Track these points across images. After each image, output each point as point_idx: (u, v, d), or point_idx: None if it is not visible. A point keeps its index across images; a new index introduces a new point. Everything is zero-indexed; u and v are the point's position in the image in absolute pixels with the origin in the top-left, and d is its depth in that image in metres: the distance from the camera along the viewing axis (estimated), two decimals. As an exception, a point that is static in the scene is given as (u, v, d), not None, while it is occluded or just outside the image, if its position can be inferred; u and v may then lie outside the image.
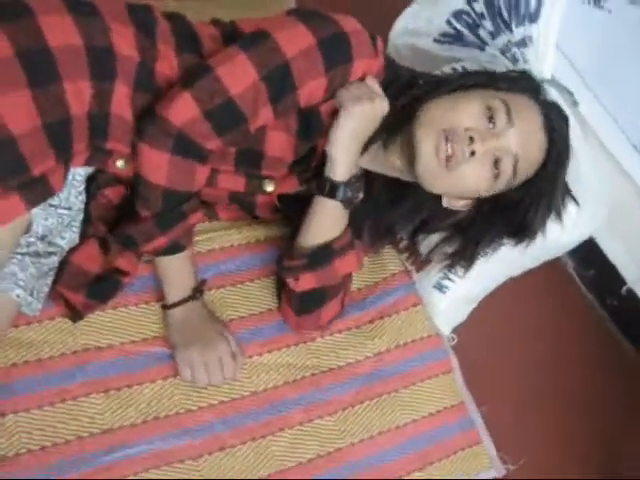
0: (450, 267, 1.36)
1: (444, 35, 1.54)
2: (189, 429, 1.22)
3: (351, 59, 1.14)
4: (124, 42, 1.09)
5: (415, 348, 1.44)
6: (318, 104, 1.18)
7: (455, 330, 1.53)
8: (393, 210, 1.32)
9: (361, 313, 1.43)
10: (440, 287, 1.47)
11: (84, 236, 1.24)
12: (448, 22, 1.52)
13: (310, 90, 1.13)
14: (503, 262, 1.42)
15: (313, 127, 1.20)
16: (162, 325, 1.27)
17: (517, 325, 1.75)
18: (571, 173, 1.27)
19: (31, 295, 1.18)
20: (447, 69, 1.45)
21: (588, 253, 1.73)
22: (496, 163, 1.15)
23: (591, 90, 1.47)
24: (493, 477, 1.43)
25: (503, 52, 1.46)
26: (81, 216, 1.23)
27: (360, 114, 1.16)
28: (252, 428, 1.27)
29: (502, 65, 1.44)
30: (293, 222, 1.32)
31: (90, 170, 1.22)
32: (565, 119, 1.24)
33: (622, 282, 1.73)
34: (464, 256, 1.32)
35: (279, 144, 1.21)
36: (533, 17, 1.41)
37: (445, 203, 1.24)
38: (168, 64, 1.14)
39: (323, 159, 1.23)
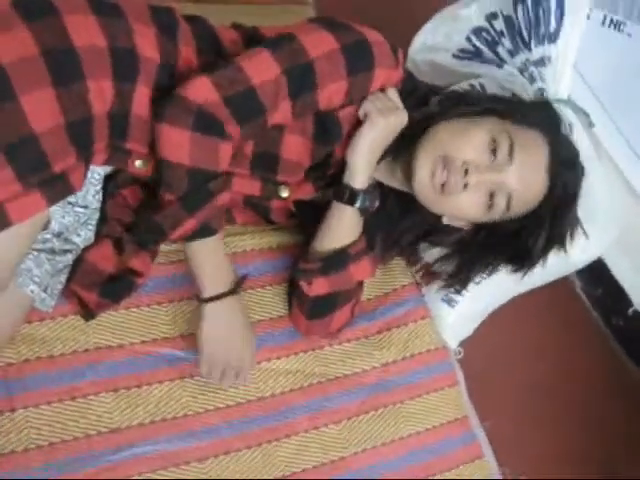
0: (445, 287, 1.39)
1: (463, 51, 1.55)
2: (196, 431, 1.24)
3: (372, 67, 1.16)
4: (146, 43, 1.11)
5: (422, 360, 1.45)
6: (336, 109, 1.19)
7: (461, 344, 1.54)
8: (400, 221, 1.34)
9: (370, 323, 1.44)
10: (449, 301, 1.48)
11: (99, 235, 1.25)
12: (468, 39, 1.53)
13: (330, 93, 1.15)
14: (512, 279, 1.43)
15: (330, 133, 1.22)
16: (173, 327, 1.29)
17: (522, 341, 1.76)
18: (584, 193, 1.29)
19: (45, 291, 1.19)
20: (465, 85, 1.47)
21: (596, 273, 1.74)
22: (490, 195, 1.17)
23: (607, 112, 1.48)
24: (494, 492, 1.44)
25: (521, 71, 1.47)
26: (97, 215, 1.24)
27: (384, 126, 1.19)
28: (258, 433, 1.28)
29: (519, 84, 1.45)
30: (308, 228, 1.34)
31: (108, 169, 1.23)
32: (576, 157, 1.24)
33: (629, 303, 1.75)
34: (458, 277, 1.35)
35: (295, 148, 1.23)
36: (552, 37, 1.43)
37: (445, 220, 1.28)
38: (189, 66, 1.15)
39: (341, 167, 1.25)
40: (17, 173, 0.99)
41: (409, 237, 1.38)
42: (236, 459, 1.24)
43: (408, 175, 1.21)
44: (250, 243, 1.41)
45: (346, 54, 1.13)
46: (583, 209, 1.29)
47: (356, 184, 1.23)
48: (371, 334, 1.43)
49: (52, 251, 1.19)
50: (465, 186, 1.15)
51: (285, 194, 1.31)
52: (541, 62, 1.44)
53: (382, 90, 1.21)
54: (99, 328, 1.24)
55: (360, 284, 1.36)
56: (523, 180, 1.17)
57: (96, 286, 1.23)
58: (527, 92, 1.45)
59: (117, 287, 1.25)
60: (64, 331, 1.22)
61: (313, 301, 1.31)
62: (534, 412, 1.67)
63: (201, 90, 1.08)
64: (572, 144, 1.27)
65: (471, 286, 1.37)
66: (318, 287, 1.29)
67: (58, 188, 1.05)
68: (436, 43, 1.57)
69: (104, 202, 1.24)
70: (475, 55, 1.53)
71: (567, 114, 1.43)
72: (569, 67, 1.44)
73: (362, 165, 1.22)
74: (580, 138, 1.41)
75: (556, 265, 1.36)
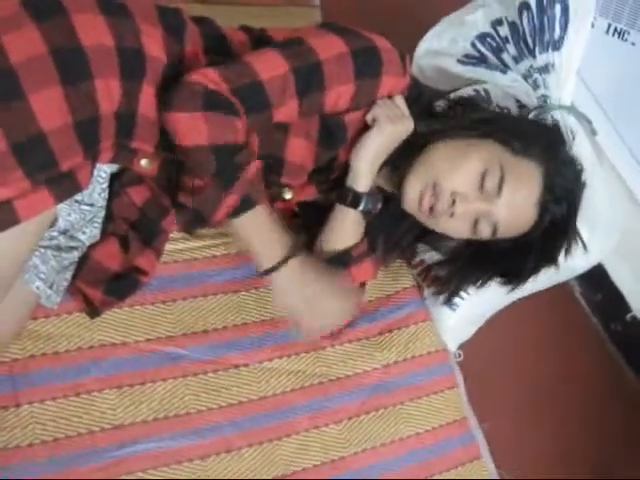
0: (436, 294, 1.41)
1: (467, 57, 1.56)
2: (198, 429, 1.25)
3: (380, 74, 1.17)
4: (153, 43, 1.11)
5: (422, 362, 1.46)
6: (341, 113, 1.20)
7: (461, 347, 1.55)
8: (401, 223, 1.36)
9: (371, 325, 1.45)
10: (450, 304, 1.49)
11: (105, 233, 1.26)
12: (472, 44, 1.54)
13: (337, 95, 1.16)
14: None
15: (335, 137, 1.23)
16: (177, 325, 1.30)
17: (521, 345, 1.77)
18: (585, 200, 1.30)
19: (50, 288, 1.20)
20: (469, 90, 1.48)
21: (596, 278, 1.75)
22: (475, 222, 1.20)
23: (610, 120, 1.49)
24: (491, 493, 1.46)
25: (525, 77, 1.48)
26: (103, 213, 1.25)
27: (391, 132, 1.20)
28: (259, 432, 1.29)
29: (523, 90, 1.47)
30: (311, 229, 1.35)
31: (114, 168, 1.24)
32: (573, 183, 1.24)
33: (627, 309, 1.76)
34: (448, 287, 1.38)
35: (300, 151, 1.23)
36: (557, 45, 1.44)
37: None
38: (196, 66, 1.14)
39: (344, 170, 1.26)
40: (25, 171, 1.00)
41: (409, 238, 1.39)
42: (238, 457, 1.26)
43: (398, 187, 1.24)
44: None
45: (355, 58, 1.14)
46: (584, 215, 1.30)
47: (359, 187, 1.24)
48: (372, 335, 1.45)
49: (58, 248, 1.20)
50: (451, 214, 1.18)
51: (288, 196, 1.32)
52: (545, 69, 1.46)
53: (390, 97, 1.22)
54: (103, 325, 1.25)
55: (362, 286, 1.37)
56: (509, 212, 1.19)
57: (101, 284, 1.25)
58: (531, 98, 1.47)
59: (122, 285, 1.26)
60: (69, 328, 1.23)
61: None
62: (532, 415, 1.69)
63: (208, 77, 1.08)
64: (572, 167, 1.26)
65: (472, 290, 1.38)
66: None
67: (66, 186, 1.06)
68: (441, 48, 1.58)
69: (110, 200, 1.25)
70: (480, 61, 1.54)
71: (570, 121, 1.45)
72: (573, 74, 1.46)
73: (366, 169, 1.23)
74: (582, 145, 1.43)
75: (557, 271, 1.38)
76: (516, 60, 1.51)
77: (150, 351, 1.27)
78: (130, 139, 1.14)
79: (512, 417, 1.63)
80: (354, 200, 1.25)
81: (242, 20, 1.65)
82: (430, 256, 1.45)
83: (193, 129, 1.07)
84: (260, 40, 1.24)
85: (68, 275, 1.23)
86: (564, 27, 1.43)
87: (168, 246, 1.33)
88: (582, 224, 1.30)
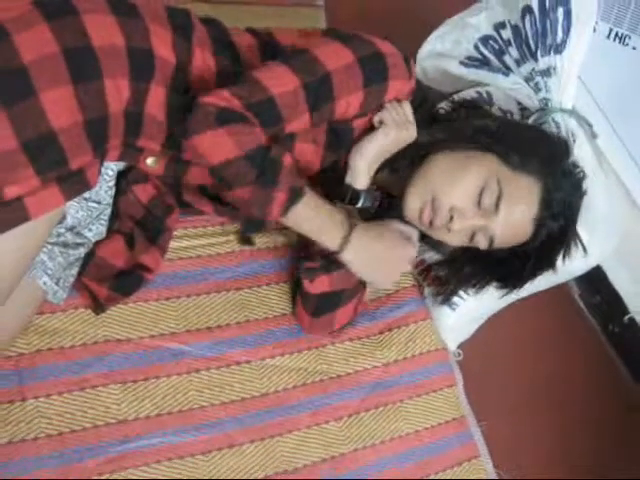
0: (435, 294, 1.43)
1: (470, 59, 1.58)
2: (201, 425, 1.26)
3: (387, 79, 1.18)
4: (162, 44, 1.12)
5: (422, 361, 1.48)
6: (350, 119, 1.22)
7: (460, 346, 1.57)
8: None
9: (372, 323, 1.47)
10: (450, 304, 1.51)
11: (111, 231, 1.28)
12: (475, 47, 1.57)
13: (347, 103, 1.17)
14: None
15: (343, 140, 1.25)
16: (180, 322, 1.31)
17: (520, 345, 1.78)
18: (585, 203, 1.31)
19: (57, 284, 1.22)
20: (472, 92, 1.50)
21: (595, 280, 1.77)
22: (472, 234, 1.23)
23: (610, 124, 1.51)
24: (489, 491, 1.48)
25: (527, 80, 1.50)
26: (109, 210, 1.27)
27: (394, 137, 1.22)
28: (261, 428, 1.30)
29: (525, 93, 1.48)
30: None
31: (121, 166, 1.25)
32: (571, 195, 1.25)
33: (625, 311, 1.78)
34: (447, 287, 1.40)
35: (306, 155, 1.25)
36: (559, 48, 1.46)
37: None
38: (204, 67, 1.17)
39: (343, 169, 1.28)
40: (36, 168, 1.02)
41: None
42: (239, 453, 1.27)
43: (399, 195, 1.26)
44: (256, 242, 1.43)
45: (362, 66, 1.15)
46: (584, 218, 1.32)
47: (357, 185, 1.26)
48: (373, 334, 1.46)
49: (65, 244, 1.21)
50: (449, 229, 1.21)
51: None
52: (547, 72, 1.47)
53: (398, 101, 1.23)
54: (108, 321, 1.27)
55: (363, 283, 1.38)
56: (506, 228, 1.21)
57: (107, 280, 1.26)
58: (532, 101, 1.48)
59: (127, 281, 1.28)
60: (74, 323, 1.25)
61: (316, 299, 1.33)
62: (530, 414, 1.70)
63: (220, 96, 1.08)
64: (572, 178, 1.27)
65: (471, 292, 1.40)
66: (320, 285, 1.31)
67: (75, 184, 1.07)
68: (444, 50, 1.60)
69: (116, 198, 1.27)
70: (482, 63, 1.56)
71: (571, 124, 1.46)
72: (574, 78, 1.47)
73: (364, 168, 1.25)
74: (583, 148, 1.44)
75: (555, 273, 1.39)
76: (518, 63, 1.52)
77: (154, 347, 1.28)
78: (137, 137, 1.16)
79: (510, 416, 1.64)
80: (353, 197, 1.26)
81: (246, 19, 1.67)
82: (430, 256, 1.46)
83: (219, 146, 1.08)
84: (268, 45, 1.25)
85: (74, 271, 1.24)
86: (566, 31, 1.45)
87: (172, 243, 1.35)
88: (582, 227, 1.32)
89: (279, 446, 1.30)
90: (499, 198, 1.19)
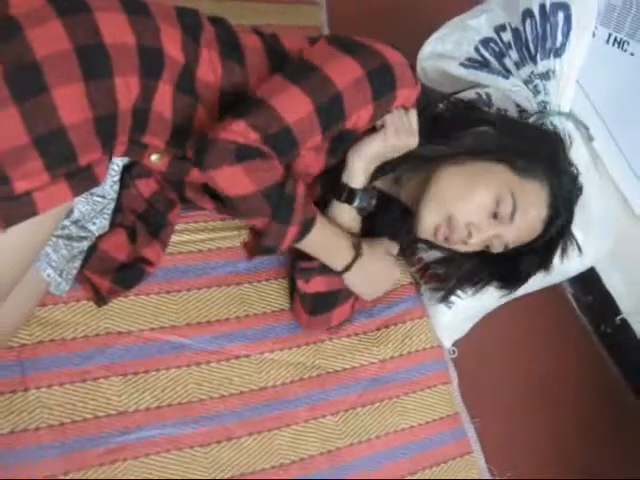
0: (434, 290, 1.45)
1: (470, 60, 1.60)
2: (200, 418, 1.27)
3: (395, 89, 1.19)
4: (172, 43, 1.13)
5: (417, 358, 1.50)
6: (359, 129, 1.23)
7: (455, 344, 1.59)
8: (401, 222, 1.39)
9: (369, 320, 1.49)
10: (446, 302, 1.52)
11: (113, 224, 1.29)
12: (476, 48, 1.58)
13: (357, 117, 1.19)
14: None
15: (346, 145, 1.26)
16: (180, 315, 1.33)
17: (514, 344, 1.80)
18: (580, 205, 1.35)
19: (60, 276, 1.23)
20: (472, 94, 1.51)
21: (588, 280, 1.79)
22: (487, 244, 1.27)
23: (607, 129, 1.53)
24: (480, 487, 1.50)
25: (526, 82, 1.52)
26: (113, 205, 1.28)
27: (393, 144, 1.24)
28: (259, 421, 1.32)
29: (523, 95, 1.50)
30: None
31: (126, 161, 1.26)
32: (572, 192, 1.31)
33: (617, 311, 1.81)
34: (445, 285, 1.43)
35: (308, 162, 1.26)
36: (558, 52, 1.47)
37: None
38: (211, 69, 1.18)
39: (341, 169, 1.29)
40: (46, 163, 1.02)
41: (409, 237, 1.42)
42: (237, 445, 1.28)
43: (412, 206, 1.30)
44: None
45: (371, 81, 1.16)
46: (579, 220, 1.35)
47: (353, 184, 1.27)
48: (370, 330, 1.48)
49: (69, 237, 1.23)
50: (466, 244, 1.25)
51: None
52: (546, 75, 1.49)
53: (405, 108, 1.24)
54: (110, 314, 1.28)
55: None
56: (520, 233, 1.26)
57: (109, 273, 1.28)
58: (531, 104, 1.50)
59: (129, 275, 1.29)
60: (76, 315, 1.26)
61: (313, 298, 1.35)
62: (523, 412, 1.72)
63: (236, 130, 1.10)
64: (571, 175, 1.31)
65: (469, 292, 1.42)
66: (315, 285, 1.34)
67: (84, 180, 1.08)
68: (445, 51, 1.61)
69: (119, 192, 1.28)
70: (482, 65, 1.58)
71: (568, 127, 1.48)
72: (572, 82, 1.49)
73: (361, 169, 1.27)
74: (579, 151, 1.46)
75: (551, 273, 1.42)
76: (518, 65, 1.54)
77: (154, 340, 1.29)
78: (143, 134, 1.17)
79: (503, 414, 1.66)
80: (349, 196, 1.28)
81: (249, 16, 1.69)
82: (428, 255, 1.48)
83: (236, 182, 1.11)
84: (273, 49, 1.25)
85: (77, 264, 1.26)
86: (566, 35, 1.46)
87: (173, 238, 1.37)
88: (577, 228, 1.35)
89: (277, 439, 1.32)
90: (514, 209, 1.22)
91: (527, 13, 1.49)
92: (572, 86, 1.49)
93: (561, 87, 1.49)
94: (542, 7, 1.46)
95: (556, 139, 1.33)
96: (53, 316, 1.24)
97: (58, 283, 1.23)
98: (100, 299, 1.27)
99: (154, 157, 1.22)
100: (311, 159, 1.26)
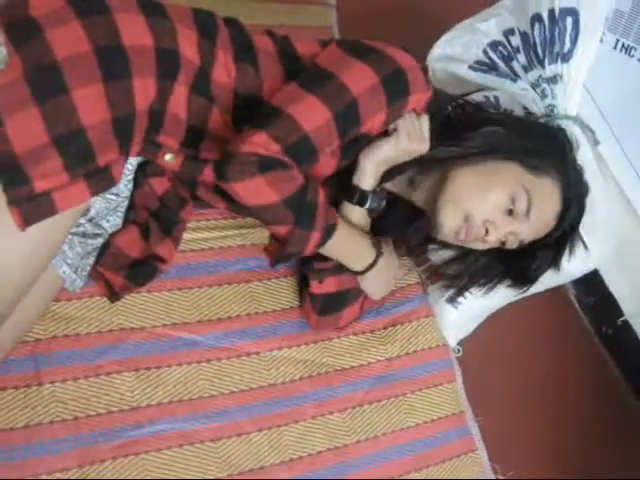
0: (445, 287, 1.48)
1: (479, 63, 1.61)
2: (210, 413, 1.30)
3: (408, 94, 1.21)
4: (188, 45, 1.14)
5: (423, 356, 1.52)
6: (372, 132, 1.25)
7: (460, 343, 1.61)
8: (411, 222, 1.41)
9: (376, 319, 1.51)
10: (453, 302, 1.54)
11: (126, 222, 1.30)
12: (484, 52, 1.60)
13: (372, 123, 1.20)
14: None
15: (359, 148, 1.27)
16: (192, 312, 1.35)
17: (517, 343, 1.82)
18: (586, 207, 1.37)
19: (75, 273, 1.24)
20: (480, 96, 1.53)
21: (590, 282, 1.81)
22: (503, 242, 1.30)
23: (613, 133, 1.55)
24: (484, 485, 1.52)
25: (534, 86, 1.54)
26: (126, 202, 1.29)
27: (404, 148, 1.25)
28: (268, 417, 1.34)
29: (531, 99, 1.52)
30: None
31: (139, 159, 1.27)
32: (582, 189, 1.34)
33: (619, 313, 1.83)
34: (457, 282, 1.45)
35: (321, 165, 1.26)
36: (566, 57, 1.49)
37: None
38: (225, 70, 1.19)
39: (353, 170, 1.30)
40: (66, 163, 1.03)
41: (419, 237, 1.44)
42: (247, 441, 1.31)
43: (429, 209, 1.32)
44: (266, 236, 1.46)
45: (385, 87, 1.18)
46: (584, 222, 1.37)
47: (364, 185, 1.29)
48: (377, 329, 1.50)
49: (84, 234, 1.24)
50: (484, 241, 1.29)
51: None
52: (553, 79, 1.51)
53: (418, 114, 1.26)
54: (123, 310, 1.30)
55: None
56: (535, 230, 1.29)
57: (122, 269, 1.29)
58: (538, 107, 1.52)
59: (142, 271, 1.31)
60: (90, 311, 1.28)
61: (324, 298, 1.37)
62: (526, 411, 1.73)
63: (257, 142, 1.11)
64: (579, 171, 1.35)
65: (479, 293, 1.44)
66: (328, 286, 1.36)
67: (101, 180, 1.09)
68: (454, 54, 1.63)
69: (132, 190, 1.29)
70: (491, 68, 1.59)
71: (575, 131, 1.50)
72: (579, 86, 1.51)
73: (371, 170, 1.28)
74: (585, 155, 1.48)
75: (557, 274, 1.44)
76: (526, 69, 1.56)
77: (166, 336, 1.31)
78: (157, 134, 1.18)
79: (505, 413, 1.68)
80: (360, 198, 1.30)
81: (259, 16, 1.70)
82: (437, 256, 1.50)
83: (258, 193, 1.13)
84: (285, 52, 1.26)
85: (91, 260, 1.27)
86: (574, 40, 1.48)
87: (185, 235, 1.38)
88: (582, 230, 1.37)
89: (285, 435, 1.34)
90: (529, 205, 1.25)
91: (536, 18, 1.50)
92: (579, 90, 1.50)
93: (568, 91, 1.50)
94: (551, 12, 1.47)
95: (564, 137, 1.36)
96: (67, 312, 1.26)
97: (73, 280, 1.24)
98: (113, 295, 1.29)
99: (168, 157, 1.23)
100: (325, 162, 1.26)
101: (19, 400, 1.18)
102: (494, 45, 1.60)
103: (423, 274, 1.59)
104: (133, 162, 1.25)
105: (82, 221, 1.23)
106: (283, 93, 1.18)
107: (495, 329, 1.66)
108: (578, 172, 1.34)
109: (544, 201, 1.27)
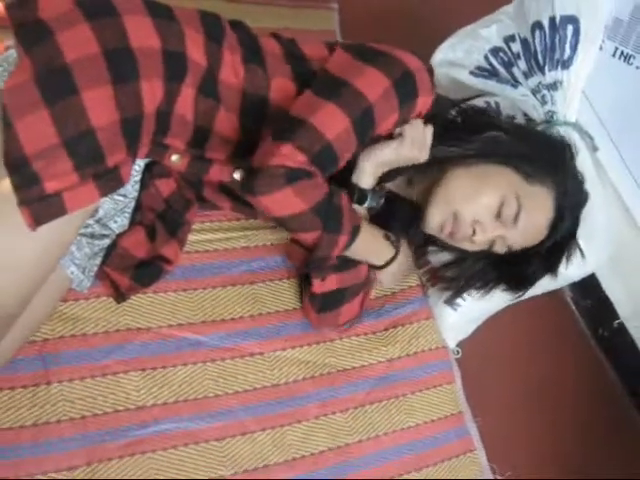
0: (443, 289, 1.50)
1: (480, 69, 1.63)
2: (215, 413, 1.31)
3: (416, 97, 1.23)
4: (195, 47, 1.16)
5: (423, 358, 1.54)
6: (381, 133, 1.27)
7: (459, 344, 1.63)
8: (412, 223, 1.43)
9: (377, 320, 1.53)
10: (452, 304, 1.56)
11: (133, 223, 1.32)
12: (485, 57, 1.62)
13: (386, 125, 1.23)
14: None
15: (362, 146, 1.28)
16: (197, 313, 1.36)
17: (515, 345, 1.84)
18: (583, 212, 1.39)
19: (83, 273, 1.26)
20: (480, 102, 1.55)
21: (587, 285, 1.83)
22: (491, 243, 1.32)
23: (612, 140, 1.58)
24: (481, 485, 1.54)
25: (534, 92, 1.56)
26: (133, 204, 1.31)
27: (405, 154, 1.27)
28: (271, 417, 1.35)
29: (531, 105, 1.54)
30: None
31: (146, 161, 1.29)
32: (580, 198, 1.36)
33: (615, 316, 1.85)
34: (455, 285, 1.48)
35: None
36: (566, 64, 1.51)
37: None
38: (233, 71, 1.20)
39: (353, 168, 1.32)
40: (75, 164, 1.04)
41: (419, 238, 1.47)
42: (251, 440, 1.32)
43: (421, 206, 1.34)
44: (270, 238, 1.49)
45: (397, 90, 1.20)
46: (582, 227, 1.39)
47: (363, 184, 1.31)
48: (378, 330, 1.52)
49: (92, 235, 1.26)
50: (472, 241, 1.31)
51: None
52: (553, 86, 1.53)
53: (424, 122, 1.28)
54: (129, 310, 1.32)
55: (369, 283, 1.44)
56: (524, 237, 1.31)
57: (128, 270, 1.31)
58: (538, 113, 1.54)
59: (148, 272, 1.33)
60: (97, 311, 1.29)
61: (322, 296, 1.39)
62: (523, 413, 1.75)
63: (285, 154, 1.13)
64: (578, 181, 1.36)
65: (476, 295, 1.46)
66: (330, 283, 1.37)
67: (110, 181, 1.10)
68: (456, 59, 1.65)
69: (139, 191, 1.30)
70: (491, 74, 1.61)
71: (573, 137, 1.52)
72: (579, 93, 1.53)
73: (370, 171, 1.30)
74: (584, 161, 1.51)
75: (554, 278, 1.46)
76: (526, 75, 1.58)
77: (171, 337, 1.33)
78: (165, 135, 1.19)
79: (503, 415, 1.70)
80: (360, 197, 1.32)
81: (264, 19, 1.71)
82: (437, 258, 1.52)
83: (287, 204, 1.16)
84: (292, 54, 1.28)
85: (98, 261, 1.29)
86: (574, 47, 1.50)
87: (190, 237, 1.40)
88: (579, 236, 1.39)
89: (288, 435, 1.36)
90: (518, 211, 1.27)
91: (537, 25, 1.52)
92: (578, 97, 1.53)
93: (568, 98, 1.53)
94: (552, 20, 1.49)
95: (563, 146, 1.37)
96: (74, 312, 1.28)
97: (80, 280, 1.26)
98: (119, 295, 1.31)
99: (174, 157, 1.24)
100: None
101: (27, 399, 1.19)
102: (495, 51, 1.62)
103: (423, 276, 1.61)
104: (140, 163, 1.27)
105: (90, 222, 1.24)
106: (301, 102, 1.20)
107: (494, 331, 1.68)
108: (577, 182, 1.36)
109: (535, 209, 1.29)
